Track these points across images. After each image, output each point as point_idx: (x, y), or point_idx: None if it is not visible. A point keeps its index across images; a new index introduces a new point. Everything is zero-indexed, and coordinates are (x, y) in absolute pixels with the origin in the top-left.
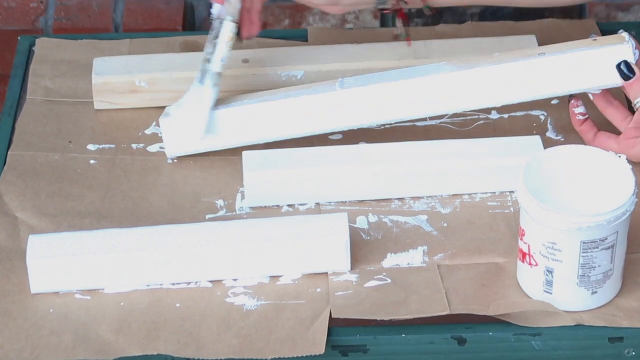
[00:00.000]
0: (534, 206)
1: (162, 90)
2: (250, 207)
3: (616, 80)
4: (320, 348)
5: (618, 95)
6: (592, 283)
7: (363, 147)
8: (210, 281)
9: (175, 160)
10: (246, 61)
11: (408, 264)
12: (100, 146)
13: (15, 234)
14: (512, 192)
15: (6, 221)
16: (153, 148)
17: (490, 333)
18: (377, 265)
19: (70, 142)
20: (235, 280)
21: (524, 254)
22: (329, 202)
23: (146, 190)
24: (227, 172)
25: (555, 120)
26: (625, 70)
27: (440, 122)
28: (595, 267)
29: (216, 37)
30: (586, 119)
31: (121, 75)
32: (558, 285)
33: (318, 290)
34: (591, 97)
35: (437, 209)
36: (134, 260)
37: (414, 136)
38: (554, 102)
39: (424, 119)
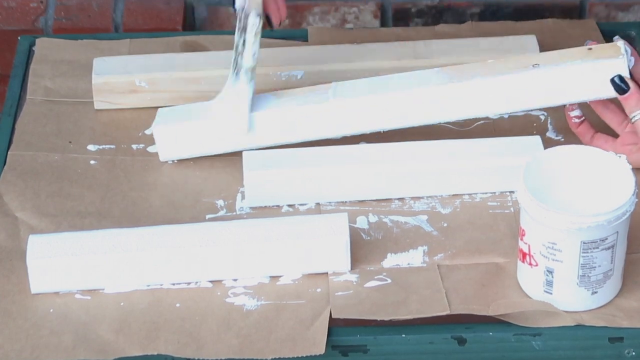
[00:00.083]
0: (534, 206)
1: (162, 90)
2: (251, 207)
3: (611, 93)
4: (320, 348)
5: (615, 99)
6: (592, 283)
7: (363, 147)
8: (211, 281)
9: (175, 161)
10: None
11: (408, 264)
12: (101, 147)
13: (15, 234)
14: (512, 192)
15: (6, 221)
16: (153, 148)
17: (491, 333)
18: (377, 265)
19: (70, 142)
20: (235, 280)
21: (524, 254)
22: (329, 202)
23: (146, 190)
24: (227, 172)
25: (555, 120)
26: (620, 84)
27: (440, 122)
28: (595, 267)
29: (243, 29)
30: (582, 122)
31: (121, 75)
32: (558, 286)
33: (318, 290)
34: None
35: (437, 209)
36: (134, 260)
37: (414, 136)
38: None
39: None
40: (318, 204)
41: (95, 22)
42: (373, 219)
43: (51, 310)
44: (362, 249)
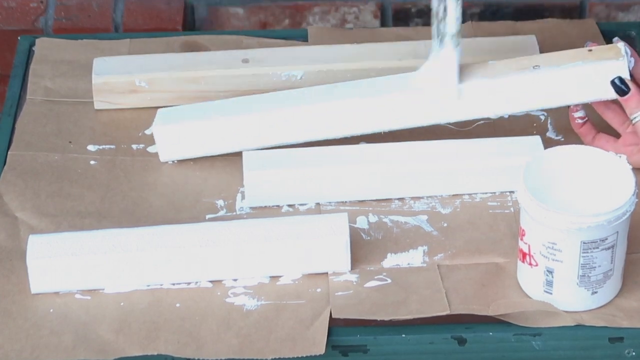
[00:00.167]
0: (534, 206)
1: (162, 90)
2: (251, 207)
3: (611, 95)
4: (320, 348)
5: (616, 100)
6: (592, 283)
7: (363, 147)
8: (211, 281)
9: (175, 161)
10: (246, 61)
11: (408, 264)
12: (101, 147)
13: (15, 234)
14: (512, 192)
15: (6, 221)
16: (153, 148)
17: (491, 333)
18: (377, 265)
19: (70, 142)
20: (235, 280)
21: (524, 254)
22: (329, 202)
23: (146, 190)
24: (227, 172)
25: (555, 120)
26: (620, 86)
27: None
28: (595, 267)
29: None
30: (585, 122)
31: (121, 75)
32: (558, 286)
33: (318, 290)
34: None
35: (437, 209)
36: (134, 260)
37: (414, 136)
38: None
39: None
40: (318, 204)
41: (95, 22)
42: (373, 219)
43: (51, 310)
44: (362, 249)
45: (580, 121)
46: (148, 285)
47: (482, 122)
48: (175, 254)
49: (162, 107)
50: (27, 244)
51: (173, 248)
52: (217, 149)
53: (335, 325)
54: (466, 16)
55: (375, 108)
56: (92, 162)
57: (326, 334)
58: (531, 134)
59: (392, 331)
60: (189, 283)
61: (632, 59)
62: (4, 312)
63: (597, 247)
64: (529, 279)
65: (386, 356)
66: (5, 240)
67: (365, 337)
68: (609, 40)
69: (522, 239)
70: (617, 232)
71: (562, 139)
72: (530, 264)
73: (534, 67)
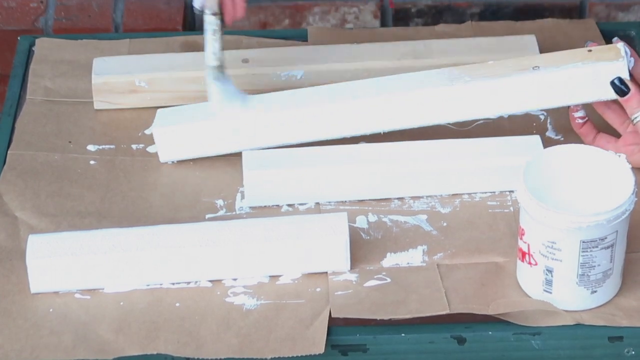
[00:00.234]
0: (534, 206)
1: (162, 90)
2: (250, 207)
3: (611, 95)
4: (320, 347)
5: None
6: (591, 282)
7: (363, 147)
8: (210, 281)
9: (175, 161)
10: (246, 61)
11: (408, 263)
12: (100, 147)
13: (15, 233)
14: (512, 191)
15: (6, 221)
16: (153, 148)
17: (490, 332)
18: (376, 264)
19: (70, 142)
20: (235, 280)
21: (523, 254)
22: (329, 202)
23: (146, 190)
24: (227, 172)
25: (555, 120)
26: (620, 86)
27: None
28: (594, 266)
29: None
30: (586, 122)
31: (121, 75)
32: (558, 285)
33: (318, 289)
34: None
35: (436, 209)
36: (134, 260)
37: (414, 136)
38: None
39: None
40: (318, 203)
41: (95, 22)
42: (372, 218)
43: (51, 310)
44: (361, 248)
45: (580, 121)
46: (148, 285)
47: (482, 122)
48: (175, 254)
49: (162, 107)
50: (27, 244)
51: (173, 248)
52: (216, 150)
53: (335, 325)
54: (466, 16)
55: (375, 108)
56: (92, 162)
57: (326, 333)
58: (531, 133)
59: (392, 330)
60: (188, 283)
61: (632, 59)
62: (4, 312)
63: (597, 246)
64: (529, 278)
65: (386, 355)
66: (5, 240)
67: (365, 337)
68: (608, 40)
69: (521, 239)
70: (617, 231)
71: (562, 139)
72: (529, 263)
73: (533, 68)
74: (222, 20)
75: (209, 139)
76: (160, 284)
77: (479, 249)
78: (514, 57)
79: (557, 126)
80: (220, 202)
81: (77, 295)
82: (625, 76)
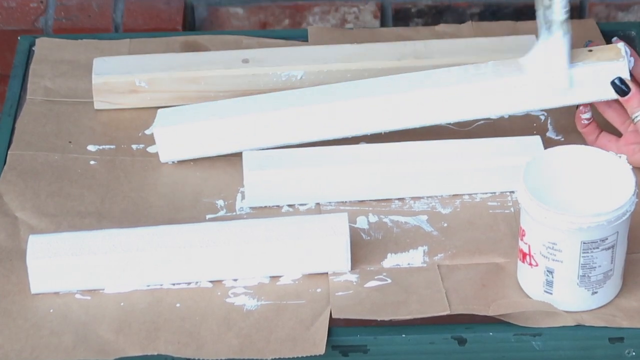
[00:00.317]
0: (534, 206)
1: (162, 90)
2: (251, 207)
3: (611, 95)
4: (320, 348)
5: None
6: (592, 283)
7: (363, 147)
8: (211, 281)
9: (175, 161)
10: (246, 61)
11: (408, 264)
12: (101, 147)
13: (15, 234)
14: (513, 192)
15: (6, 221)
16: (153, 148)
17: (491, 333)
18: (377, 265)
19: (70, 142)
20: (235, 280)
21: (524, 254)
22: (329, 202)
23: (146, 190)
24: (227, 172)
25: (556, 120)
26: (621, 86)
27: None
28: (595, 267)
29: None
30: (590, 122)
31: (121, 75)
32: (558, 286)
33: (318, 290)
34: None
35: (437, 209)
36: (134, 260)
37: (414, 136)
38: None
39: None
40: (318, 204)
41: (95, 22)
42: (373, 219)
43: (51, 311)
44: (362, 249)
45: (586, 122)
46: (148, 286)
47: (482, 122)
48: (175, 254)
49: (162, 107)
50: (27, 244)
51: (173, 248)
52: (217, 150)
53: (336, 326)
54: (466, 16)
55: (375, 108)
56: (92, 162)
57: (326, 334)
58: (531, 134)
59: (392, 331)
60: (189, 283)
61: (632, 59)
62: (4, 312)
63: (597, 247)
64: (529, 279)
65: (386, 356)
66: (5, 240)
67: (366, 337)
68: (608, 40)
69: (522, 239)
70: (617, 232)
71: (562, 139)
72: (530, 264)
73: None
74: None
75: (209, 139)
76: (161, 285)
77: (479, 249)
78: (514, 57)
79: (558, 127)
80: (220, 202)
81: (78, 296)
82: (626, 76)
